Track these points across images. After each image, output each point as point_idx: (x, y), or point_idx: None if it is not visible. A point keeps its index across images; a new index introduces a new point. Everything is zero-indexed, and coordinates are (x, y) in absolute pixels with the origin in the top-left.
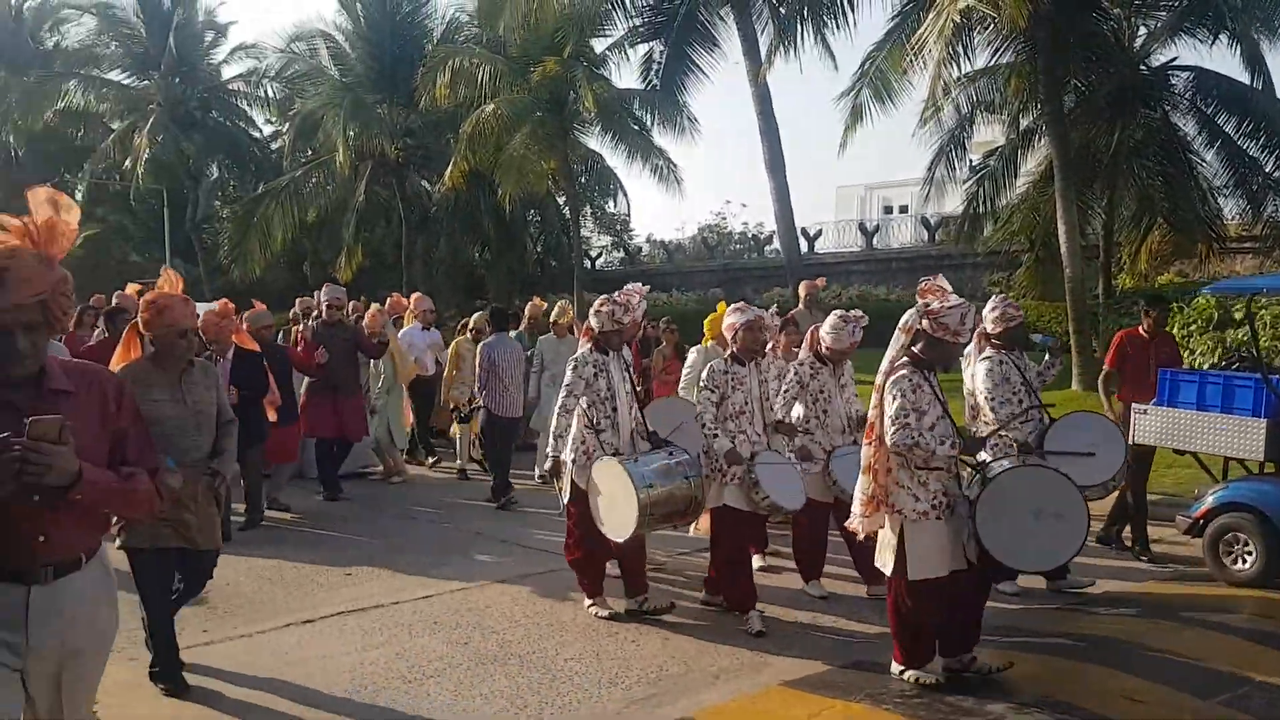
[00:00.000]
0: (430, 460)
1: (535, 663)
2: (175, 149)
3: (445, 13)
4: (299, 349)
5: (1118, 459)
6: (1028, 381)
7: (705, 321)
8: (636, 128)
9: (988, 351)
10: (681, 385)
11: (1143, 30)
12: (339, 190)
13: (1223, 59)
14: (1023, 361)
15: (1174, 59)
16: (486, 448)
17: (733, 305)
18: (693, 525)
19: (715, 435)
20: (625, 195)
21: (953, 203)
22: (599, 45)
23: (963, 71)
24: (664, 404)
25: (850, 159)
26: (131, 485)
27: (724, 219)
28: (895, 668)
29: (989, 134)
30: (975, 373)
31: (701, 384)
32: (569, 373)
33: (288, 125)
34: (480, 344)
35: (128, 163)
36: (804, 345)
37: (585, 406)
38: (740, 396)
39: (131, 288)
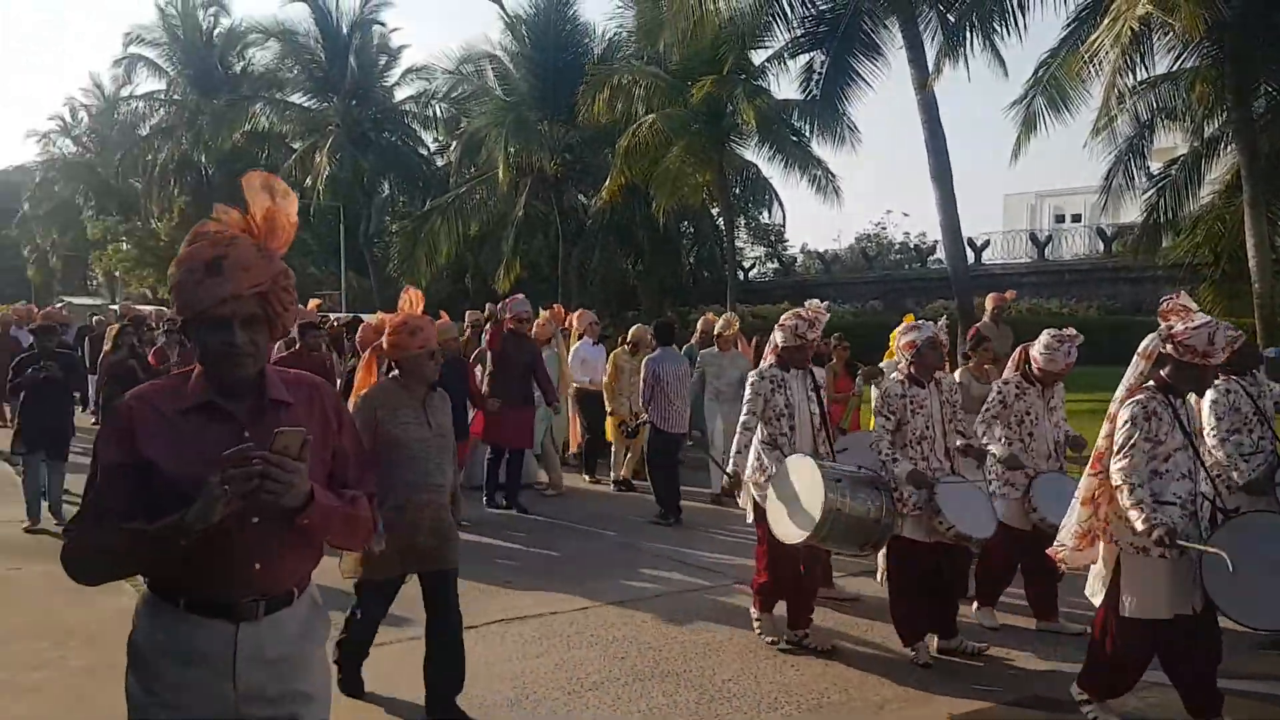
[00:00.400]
0: (588, 478)
1: (692, 681)
2: (351, 167)
3: (606, 30)
4: (484, 354)
5: None
6: (1261, 410)
7: (892, 335)
8: (794, 138)
9: (1219, 382)
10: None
11: None
12: (500, 205)
13: None
14: (1258, 387)
15: None
16: (651, 463)
17: (905, 323)
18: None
19: (894, 459)
20: (781, 205)
21: (1130, 213)
22: (758, 57)
23: (1140, 78)
24: (862, 437)
25: (1018, 166)
26: (355, 510)
27: (884, 228)
28: (1077, 692)
29: (1169, 140)
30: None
31: (876, 408)
32: (748, 388)
33: (454, 144)
34: (645, 359)
35: (308, 180)
36: (1009, 365)
37: (763, 423)
38: (920, 421)
39: (313, 303)
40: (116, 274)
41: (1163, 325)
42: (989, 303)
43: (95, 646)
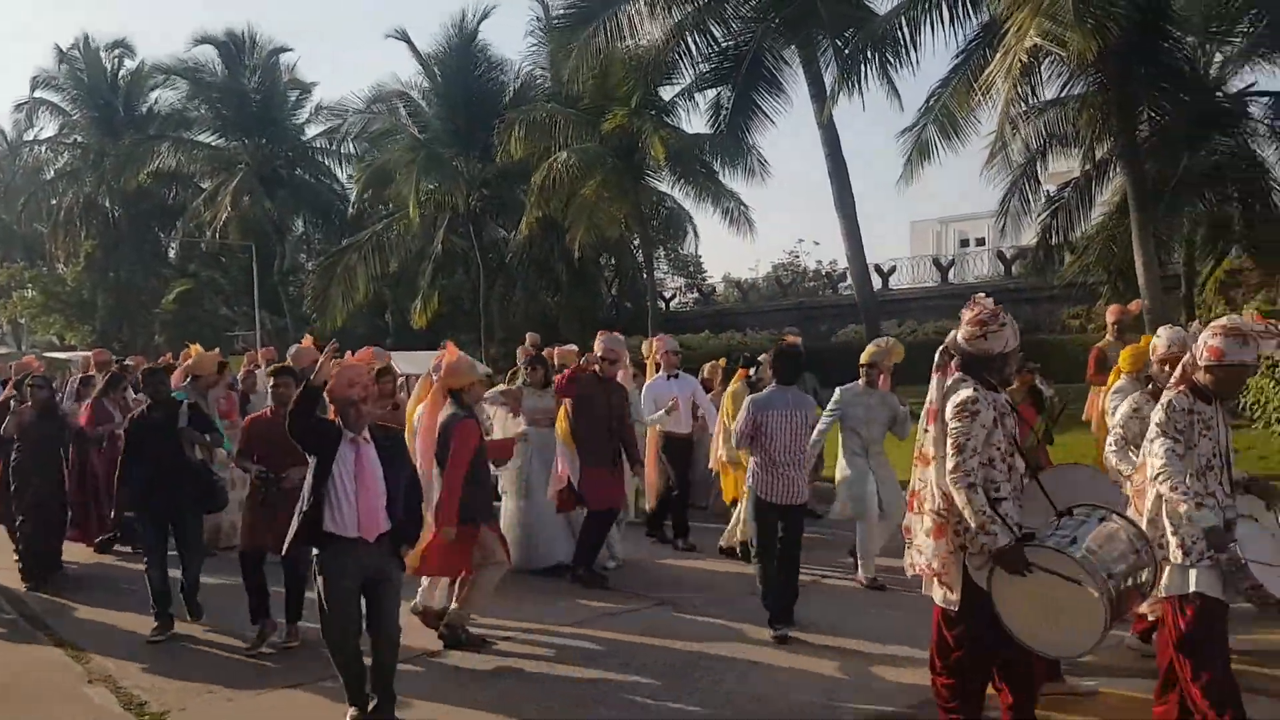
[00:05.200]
0: (681, 544)
1: None
2: (262, 206)
3: (520, 68)
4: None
5: None
6: None
7: (1124, 354)
8: (705, 172)
9: None
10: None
11: (1218, 57)
12: (418, 241)
13: None
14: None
15: (1252, 85)
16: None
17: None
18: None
19: (1197, 503)
20: (697, 236)
21: (1029, 235)
22: (667, 93)
23: (1030, 105)
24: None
25: (928, 193)
26: None
27: (797, 257)
28: None
29: (1065, 164)
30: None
31: (1158, 428)
32: (954, 417)
33: (359, 179)
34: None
35: (218, 220)
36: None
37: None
38: (1208, 446)
39: (306, 340)
40: (22, 321)
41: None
42: (1110, 316)
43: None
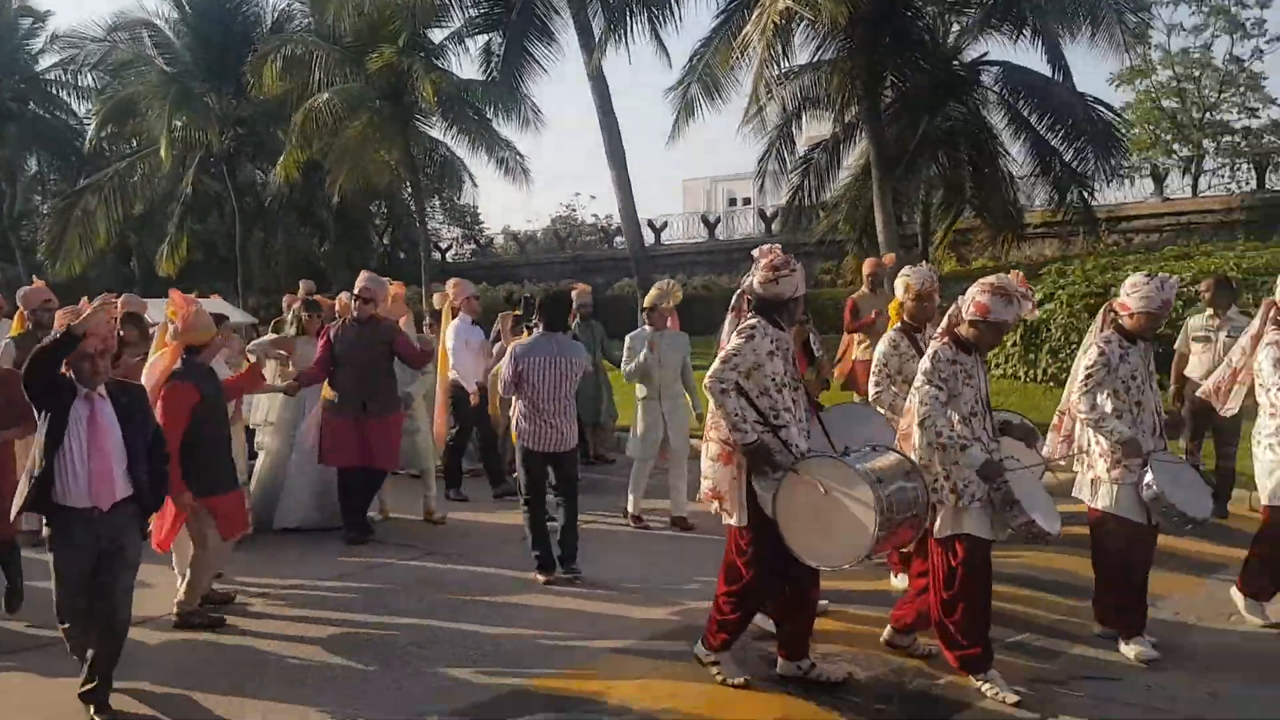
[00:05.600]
0: (454, 494)
1: None
2: None
3: (275, 3)
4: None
5: None
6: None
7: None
8: (478, 119)
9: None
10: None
11: (956, 27)
12: (165, 182)
13: (1027, 54)
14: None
15: (984, 54)
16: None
17: (983, 279)
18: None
19: (962, 445)
20: (475, 186)
21: (787, 195)
22: (437, 35)
23: (785, 68)
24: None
25: (703, 151)
26: None
27: (574, 210)
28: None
29: (819, 128)
30: (1260, 359)
31: (924, 377)
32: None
33: (98, 112)
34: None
35: None
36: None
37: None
38: (970, 394)
39: (38, 281)
40: None
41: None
42: (866, 268)
43: None
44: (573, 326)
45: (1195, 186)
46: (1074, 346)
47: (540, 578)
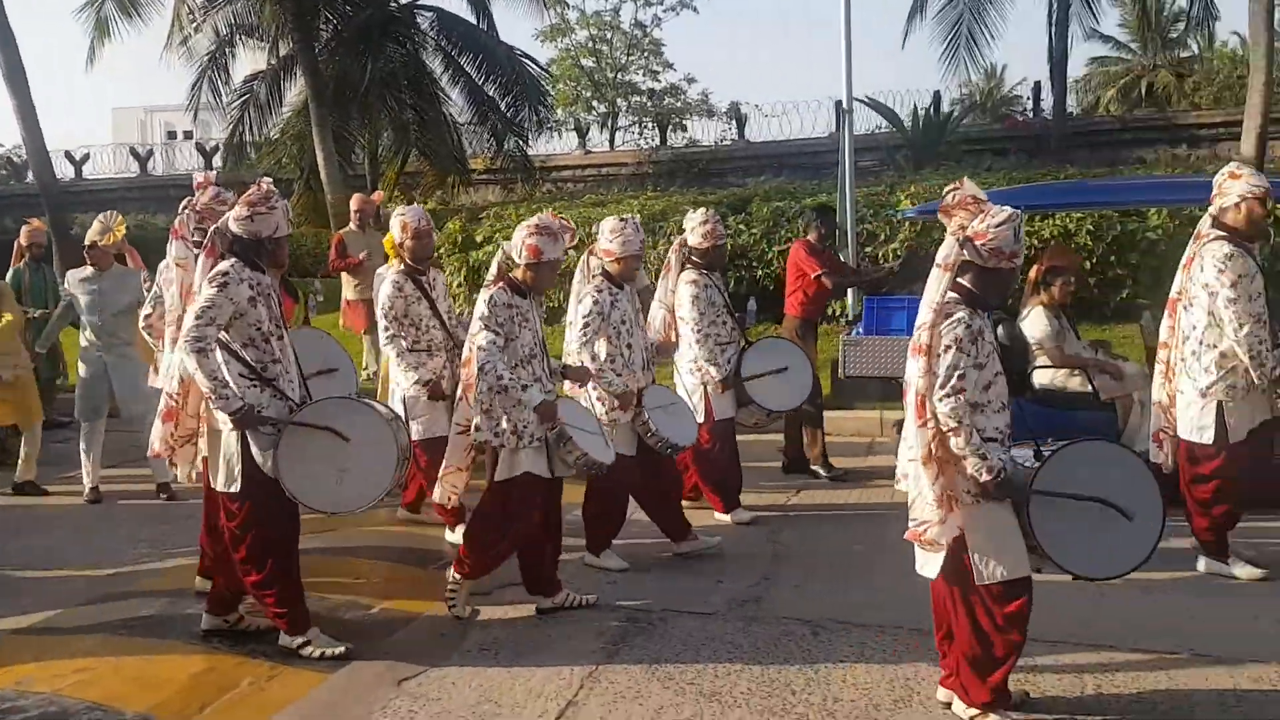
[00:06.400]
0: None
1: None
2: None
3: None
4: None
5: (808, 382)
6: (729, 304)
7: (387, 243)
8: None
9: (691, 274)
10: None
11: None
12: None
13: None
14: (721, 282)
15: None
16: None
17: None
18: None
19: (523, 385)
20: None
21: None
22: None
23: None
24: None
25: (138, 78)
26: None
27: None
28: (966, 711)
29: (262, 61)
30: (680, 295)
31: (481, 322)
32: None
33: None
34: None
35: None
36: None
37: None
38: (529, 337)
39: None
40: None
41: (952, 224)
42: (354, 204)
43: None
44: (20, 268)
45: (612, 141)
46: None
47: None
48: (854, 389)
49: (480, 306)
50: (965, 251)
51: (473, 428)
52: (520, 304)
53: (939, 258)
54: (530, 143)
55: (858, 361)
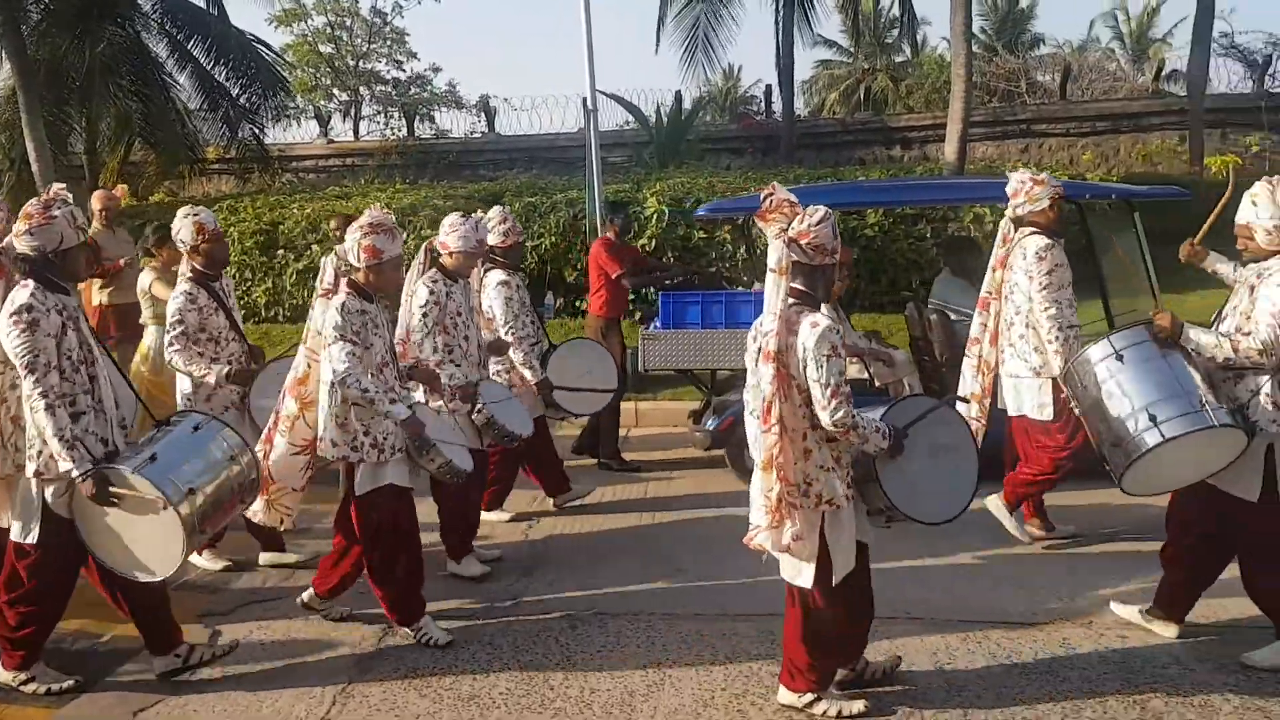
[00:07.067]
0: None
1: None
2: None
3: None
4: None
5: (612, 383)
6: (527, 303)
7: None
8: None
9: (500, 274)
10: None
11: None
12: None
13: None
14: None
15: None
16: None
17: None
18: None
19: (391, 399)
20: None
21: None
22: None
23: None
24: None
25: None
26: None
27: None
28: (793, 697)
29: None
30: (488, 294)
31: (336, 333)
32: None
33: None
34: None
35: None
36: (416, 263)
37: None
38: (380, 344)
39: None
40: None
41: (771, 229)
42: (96, 203)
43: None
44: None
45: (356, 130)
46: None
47: None
48: (656, 380)
49: (332, 315)
50: (792, 252)
51: (324, 445)
52: (370, 309)
53: (771, 263)
54: (267, 131)
55: (656, 355)
